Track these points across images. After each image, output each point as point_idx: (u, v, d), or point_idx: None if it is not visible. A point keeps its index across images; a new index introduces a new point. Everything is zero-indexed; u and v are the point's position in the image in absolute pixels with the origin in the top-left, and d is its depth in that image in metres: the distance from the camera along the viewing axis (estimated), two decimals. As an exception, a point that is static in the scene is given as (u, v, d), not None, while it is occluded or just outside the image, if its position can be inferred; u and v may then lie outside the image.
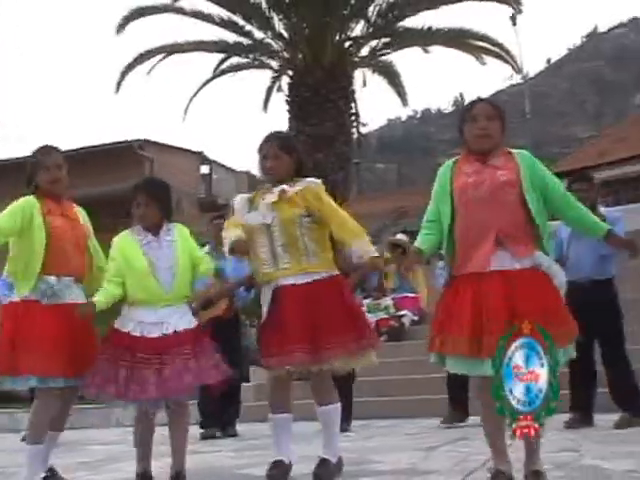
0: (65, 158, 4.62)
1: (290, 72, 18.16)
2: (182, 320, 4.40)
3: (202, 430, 7.58)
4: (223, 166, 38.52)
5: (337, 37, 17.86)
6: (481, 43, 18.67)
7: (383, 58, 19.45)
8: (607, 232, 3.94)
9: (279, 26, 18.01)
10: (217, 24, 18.08)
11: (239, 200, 4.64)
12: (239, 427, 7.78)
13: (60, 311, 4.35)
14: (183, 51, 18.55)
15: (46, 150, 4.60)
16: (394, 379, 9.12)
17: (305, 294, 4.36)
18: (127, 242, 4.48)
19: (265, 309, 4.44)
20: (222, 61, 18.99)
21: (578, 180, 6.68)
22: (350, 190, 19.79)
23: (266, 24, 17.98)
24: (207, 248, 7.47)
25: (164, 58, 18.50)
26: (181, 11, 17.98)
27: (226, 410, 7.70)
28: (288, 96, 17.87)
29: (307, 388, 4.59)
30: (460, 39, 18.57)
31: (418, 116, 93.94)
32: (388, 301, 11.76)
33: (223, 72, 19.29)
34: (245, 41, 18.42)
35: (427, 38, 18.48)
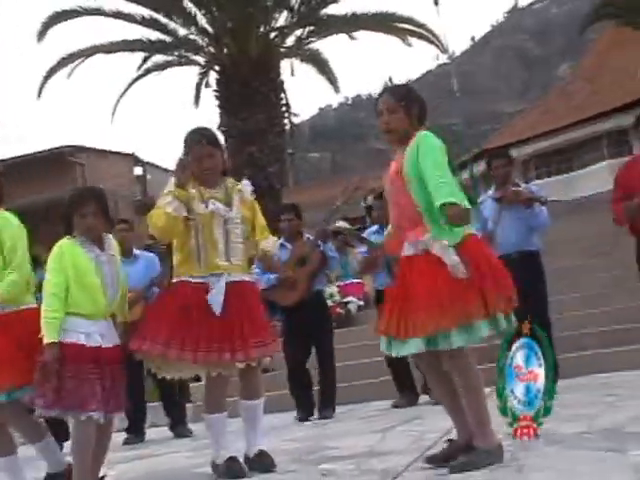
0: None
1: (217, 67, 18.06)
2: (113, 337, 4.30)
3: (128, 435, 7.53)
4: (157, 166, 38.12)
5: (262, 28, 17.80)
6: (406, 25, 18.81)
7: (310, 46, 19.48)
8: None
9: (202, 21, 17.89)
10: (139, 23, 17.90)
11: (172, 202, 4.50)
12: (193, 426, 7.73)
13: None
14: (106, 52, 18.30)
15: None
16: (345, 365, 9.15)
17: (248, 291, 4.54)
18: (77, 254, 4.24)
19: (217, 302, 4.37)
20: (145, 60, 18.79)
21: (495, 157, 6.86)
22: (286, 181, 19.79)
23: (189, 20, 17.83)
24: None
25: (85, 60, 18.25)
26: (101, 12, 17.74)
27: (170, 412, 7.69)
28: (217, 91, 17.77)
29: (272, 382, 4.64)
30: (385, 23, 18.68)
31: (349, 103, 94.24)
32: (333, 288, 11.82)
33: (149, 71, 19.09)
34: (169, 39, 18.26)
35: (352, 24, 18.54)
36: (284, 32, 18.43)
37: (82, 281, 4.20)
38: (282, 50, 18.68)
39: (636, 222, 5.99)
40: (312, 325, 7.17)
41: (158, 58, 18.84)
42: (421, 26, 18.84)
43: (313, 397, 7.47)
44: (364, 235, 6.82)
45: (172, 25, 17.98)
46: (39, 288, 4.55)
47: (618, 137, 27.76)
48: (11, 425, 4.55)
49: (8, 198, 4.87)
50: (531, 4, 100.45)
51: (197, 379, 9.95)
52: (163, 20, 17.92)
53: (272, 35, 18.26)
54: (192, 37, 18.27)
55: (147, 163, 37.40)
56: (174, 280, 4.56)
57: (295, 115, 19.41)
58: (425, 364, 3.94)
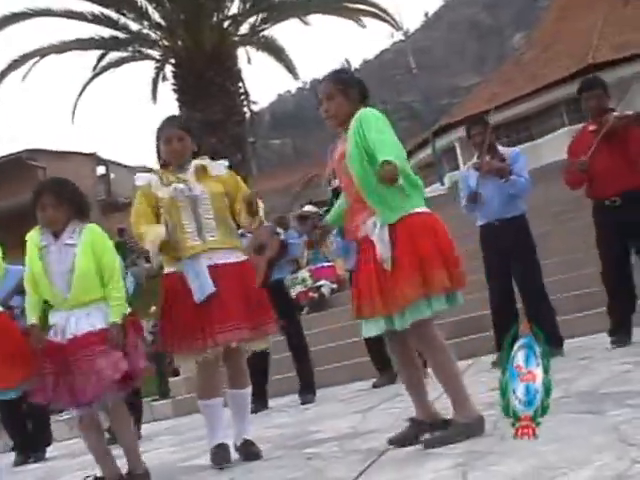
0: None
1: (173, 60, 17.95)
2: (81, 323, 4.20)
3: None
4: (119, 164, 37.86)
5: (214, 18, 17.72)
6: (358, 6, 18.81)
7: (264, 34, 19.43)
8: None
9: (155, 15, 17.76)
10: (91, 21, 17.71)
11: (146, 178, 4.54)
12: (174, 421, 7.74)
13: None
14: (59, 52, 18.11)
15: None
16: (321, 349, 9.20)
17: (240, 272, 4.45)
18: (30, 242, 4.31)
19: (200, 290, 4.33)
20: (101, 58, 18.64)
21: (473, 124, 6.85)
22: (250, 170, 19.71)
23: (141, 15, 17.71)
24: None
25: (38, 61, 18.06)
26: (51, 13, 17.54)
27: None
28: (174, 84, 17.67)
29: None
30: (337, 5, 18.67)
31: (307, 87, 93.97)
32: (305, 273, 11.85)
33: (105, 69, 18.93)
34: (122, 35, 18.11)
35: (304, 8, 18.52)
36: (237, 20, 18.36)
37: (30, 267, 4.27)
38: (237, 39, 18.61)
39: (587, 180, 6.10)
40: None
41: (113, 55, 18.72)
42: (374, 5, 18.86)
43: (266, 386, 7.46)
44: None
45: (124, 21, 17.84)
46: None
47: (576, 103, 27.98)
48: None
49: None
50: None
51: (175, 374, 10.00)
52: (114, 16, 17.78)
53: (226, 24, 18.18)
54: (145, 32, 18.16)
55: (110, 162, 37.09)
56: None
57: (254, 103, 19.41)
58: (393, 343, 3.94)
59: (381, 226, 3.70)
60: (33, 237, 4.32)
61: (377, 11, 18.93)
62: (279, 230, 7.25)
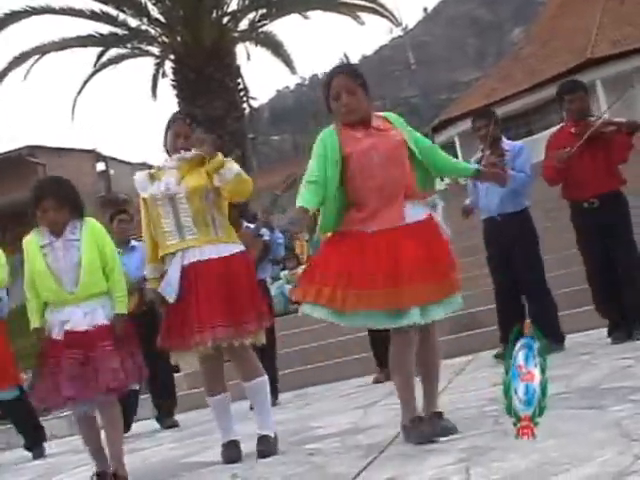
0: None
1: (172, 56, 17.94)
2: (91, 317, 4.26)
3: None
4: (119, 161, 37.85)
5: (214, 14, 17.70)
6: (357, 2, 18.80)
7: (264, 29, 19.41)
8: (475, 171, 4.15)
9: (154, 11, 17.75)
10: (90, 18, 17.70)
11: (138, 177, 4.55)
12: (175, 417, 7.73)
13: None
14: (59, 49, 18.10)
15: None
16: (318, 345, 9.21)
17: (220, 269, 4.33)
18: (30, 244, 4.35)
19: (170, 285, 4.33)
20: (101, 55, 18.63)
21: (479, 117, 6.84)
22: (250, 166, 19.68)
23: (140, 11, 17.69)
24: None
25: (39, 59, 18.05)
26: (51, 10, 17.52)
27: (161, 403, 7.64)
28: (173, 80, 17.66)
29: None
30: (336, 1, 18.65)
31: (306, 83, 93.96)
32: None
33: (104, 65, 18.93)
34: (121, 31, 18.09)
35: (304, 4, 18.50)
36: (237, 16, 18.34)
37: (34, 269, 4.29)
38: (236, 35, 18.60)
39: (563, 174, 6.12)
40: None
41: (113, 52, 18.72)
42: (372, 1, 18.84)
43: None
44: None
45: (124, 17, 17.82)
46: None
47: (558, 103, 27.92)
48: None
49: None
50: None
51: (176, 370, 9.98)
52: (114, 13, 17.77)
53: (225, 20, 18.17)
54: (144, 28, 18.15)
55: (110, 158, 37.08)
56: None
57: (253, 99, 19.39)
58: (409, 338, 3.84)
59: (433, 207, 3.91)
60: (32, 240, 4.36)
61: (376, 7, 18.93)
62: (264, 231, 7.21)
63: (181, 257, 4.33)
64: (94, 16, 17.71)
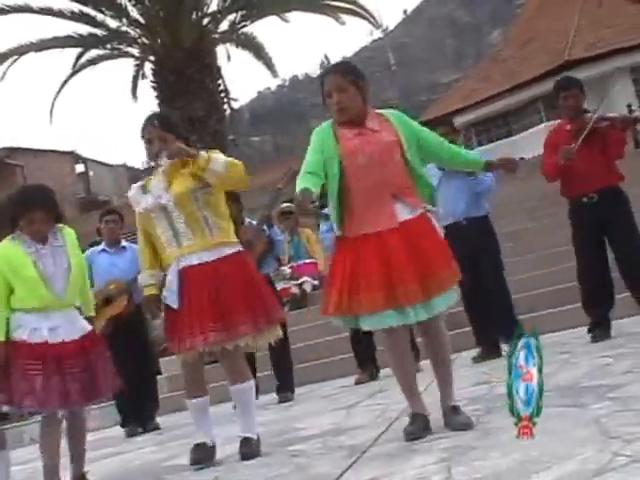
0: None
1: (152, 57, 17.87)
2: (72, 329, 4.30)
3: (124, 429, 7.50)
4: (99, 162, 37.66)
5: (194, 15, 17.66)
6: (337, 3, 18.82)
7: (244, 30, 19.39)
8: (485, 163, 4.24)
9: (133, 12, 17.68)
10: (69, 18, 17.61)
11: (133, 190, 4.56)
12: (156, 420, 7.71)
13: None
14: (38, 50, 17.99)
15: None
16: (304, 346, 9.20)
17: (211, 272, 4.32)
18: (12, 252, 4.31)
19: (172, 292, 4.34)
20: (79, 56, 18.54)
21: (440, 125, 6.90)
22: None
23: (119, 12, 17.61)
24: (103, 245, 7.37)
25: (17, 60, 17.94)
26: (29, 10, 17.41)
27: (143, 405, 7.61)
28: (153, 82, 17.61)
29: (221, 370, 4.61)
30: (316, 2, 18.66)
31: (287, 84, 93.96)
32: (286, 269, 11.83)
33: (83, 66, 18.84)
34: (100, 32, 18.01)
35: (284, 5, 18.49)
36: (217, 17, 18.31)
37: (20, 276, 4.25)
38: (216, 36, 18.57)
39: (571, 186, 6.15)
40: None
41: (92, 53, 18.63)
42: (353, 2, 18.87)
43: (257, 381, 7.47)
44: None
45: (103, 18, 17.75)
46: None
47: (553, 100, 28.06)
48: None
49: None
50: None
51: (158, 373, 9.95)
52: (93, 13, 17.68)
53: (205, 21, 18.13)
54: (124, 29, 18.06)
55: (89, 160, 36.88)
56: None
57: (234, 100, 19.35)
58: (400, 336, 3.88)
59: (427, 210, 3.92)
60: (14, 248, 4.33)
61: (356, 8, 18.95)
62: (265, 227, 7.24)
63: (176, 264, 4.35)
64: (73, 17, 17.61)
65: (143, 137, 4.52)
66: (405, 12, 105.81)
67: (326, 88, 3.92)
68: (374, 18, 19.85)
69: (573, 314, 7.45)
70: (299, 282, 11.36)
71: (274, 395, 7.39)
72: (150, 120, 4.54)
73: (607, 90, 7.06)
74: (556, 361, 5.43)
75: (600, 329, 6.16)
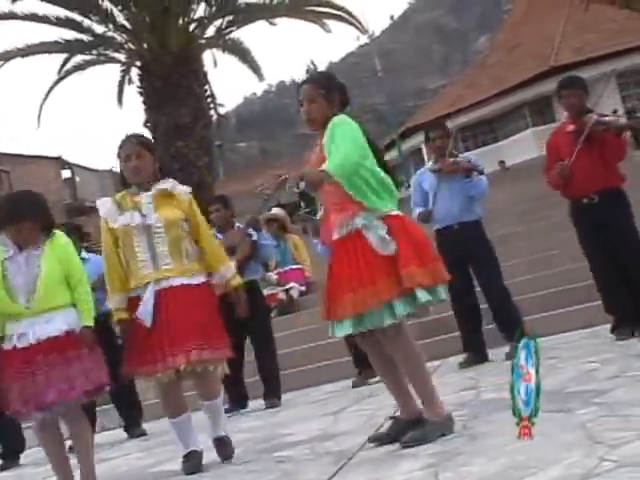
0: None
1: (138, 63, 17.84)
2: (45, 328, 4.21)
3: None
4: (85, 168, 37.54)
5: (180, 21, 17.63)
6: (324, 9, 18.84)
7: (231, 36, 19.38)
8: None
9: (120, 18, 17.63)
10: (55, 24, 17.56)
11: (104, 205, 4.52)
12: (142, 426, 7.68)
13: None
14: (24, 56, 17.93)
15: None
16: (291, 351, 9.19)
17: (189, 295, 4.36)
18: None
19: (147, 311, 4.31)
20: (65, 61, 18.49)
21: (432, 129, 6.90)
22: (217, 173, 19.65)
23: (105, 17, 17.56)
24: None
25: (2, 65, 17.89)
26: (14, 16, 17.35)
27: (126, 412, 7.59)
28: (140, 87, 17.57)
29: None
30: (303, 7, 18.68)
31: (273, 90, 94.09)
32: (272, 276, 11.83)
33: (69, 72, 18.79)
34: (87, 38, 17.97)
35: (270, 11, 18.49)
36: (204, 23, 18.28)
37: None
38: (203, 41, 18.55)
39: (567, 182, 6.14)
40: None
41: (78, 58, 18.56)
42: (339, 8, 18.90)
43: (245, 389, 7.45)
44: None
45: (89, 24, 17.69)
46: None
47: (539, 105, 28.28)
48: None
49: None
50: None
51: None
52: (79, 19, 17.63)
53: (192, 27, 18.11)
54: (110, 34, 18.00)
55: (75, 165, 36.76)
56: None
57: (220, 106, 19.35)
58: (368, 344, 3.99)
59: (369, 220, 3.79)
60: None
61: (343, 14, 18.97)
62: (251, 231, 7.24)
63: (153, 285, 4.34)
64: (59, 22, 17.56)
65: (120, 153, 4.51)
66: (392, 18, 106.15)
67: (299, 96, 4.01)
68: (360, 24, 19.90)
69: (560, 319, 7.49)
70: (286, 288, 11.35)
71: (261, 401, 7.38)
72: (129, 136, 4.55)
73: (597, 96, 7.03)
74: (543, 366, 5.40)
75: (623, 327, 6.02)
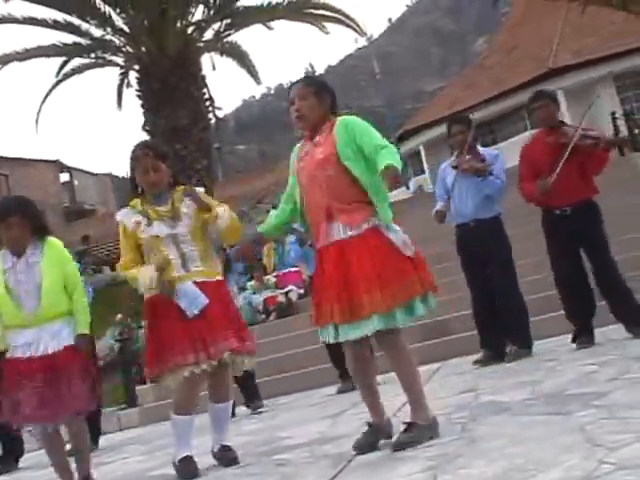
0: None
1: (137, 66, 17.83)
2: (53, 341, 4.25)
3: None
4: (83, 171, 37.53)
5: (179, 24, 17.63)
6: (322, 12, 18.84)
7: (229, 39, 19.39)
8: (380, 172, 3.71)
9: (118, 21, 17.63)
10: (53, 28, 17.56)
11: (129, 216, 4.52)
12: (141, 430, 7.68)
13: None
14: (22, 59, 17.93)
15: None
16: (290, 354, 9.20)
17: (218, 291, 4.48)
18: None
19: (195, 299, 4.37)
20: (63, 65, 18.50)
21: (455, 122, 6.87)
22: (216, 176, 19.63)
23: (104, 21, 17.56)
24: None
25: (1, 69, 17.89)
26: (12, 20, 17.34)
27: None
28: (138, 90, 17.56)
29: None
30: (301, 10, 18.69)
31: (272, 92, 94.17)
32: (271, 279, 11.85)
33: (67, 75, 18.79)
34: (85, 41, 17.97)
35: (268, 14, 18.49)
36: (202, 26, 18.28)
37: None
38: (201, 45, 18.55)
39: (546, 198, 6.17)
40: None
41: (76, 62, 18.57)
42: (338, 11, 18.91)
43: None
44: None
45: (87, 27, 17.70)
46: None
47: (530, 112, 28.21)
48: None
49: None
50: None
51: (143, 382, 9.91)
52: (77, 22, 17.62)
53: (190, 30, 18.10)
54: (108, 38, 18.00)
55: (73, 169, 36.75)
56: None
57: (219, 109, 19.36)
58: (363, 348, 3.95)
59: (389, 224, 3.82)
60: None
61: (341, 17, 18.98)
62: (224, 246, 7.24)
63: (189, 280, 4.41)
64: (57, 26, 17.56)
65: (136, 167, 4.52)
66: (390, 21, 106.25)
67: (290, 95, 4.03)
68: (359, 26, 19.90)
69: (557, 322, 7.47)
70: (285, 291, 11.37)
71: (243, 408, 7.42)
72: (144, 150, 4.54)
73: (589, 104, 7.07)
74: (542, 369, 5.44)
75: (584, 336, 6.18)
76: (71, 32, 17.79)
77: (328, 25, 19.25)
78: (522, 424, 3.54)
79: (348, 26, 19.36)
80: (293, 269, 11.92)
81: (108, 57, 18.56)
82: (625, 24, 23.78)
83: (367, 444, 3.83)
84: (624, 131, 18.45)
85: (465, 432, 3.70)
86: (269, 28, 19.38)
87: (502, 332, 6.56)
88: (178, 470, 4.41)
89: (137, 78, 17.73)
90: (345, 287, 3.74)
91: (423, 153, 31.06)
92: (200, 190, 4.58)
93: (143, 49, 17.55)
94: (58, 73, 18.64)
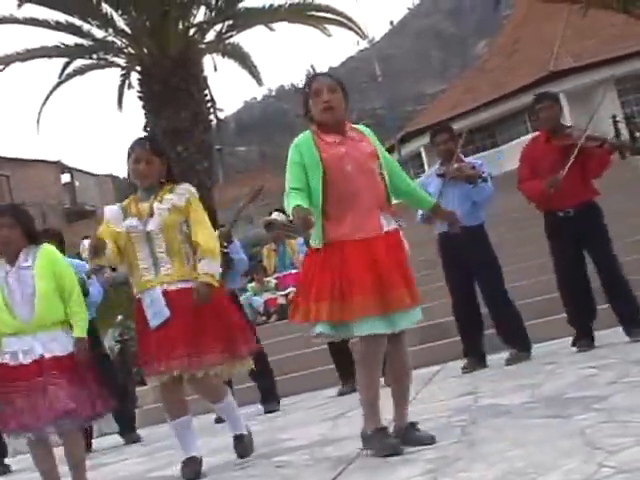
0: None
1: (138, 67, 17.83)
2: (49, 346, 4.23)
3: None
4: (84, 172, 37.52)
5: (180, 25, 17.62)
6: (324, 14, 18.83)
7: (230, 41, 19.36)
8: (434, 205, 4.33)
9: (120, 22, 17.62)
10: (55, 28, 17.56)
11: (110, 210, 4.55)
12: (141, 431, 7.68)
13: None
14: (23, 60, 17.93)
15: None
16: (291, 356, 9.20)
17: (189, 299, 4.33)
18: None
19: (158, 313, 4.34)
20: (66, 65, 18.50)
21: (438, 132, 6.88)
22: (216, 177, 19.63)
23: (105, 22, 17.55)
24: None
25: (2, 70, 17.90)
26: (14, 20, 17.35)
27: (119, 418, 7.55)
28: (140, 92, 17.57)
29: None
30: (303, 12, 18.67)
31: (273, 94, 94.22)
32: (272, 281, 11.86)
33: (69, 76, 18.80)
34: (86, 42, 17.97)
35: (270, 15, 18.48)
36: (203, 28, 18.27)
37: None
38: (203, 46, 18.53)
39: (553, 197, 6.18)
40: None
41: (78, 63, 18.55)
42: (339, 13, 18.89)
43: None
44: None
45: (89, 28, 17.69)
46: None
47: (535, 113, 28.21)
48: None
49: None
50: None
51: (143, 383, 9.90)
52: (79, 23, 17.62)
53: (192, 31, 18.09)
54: (110, 39, 17.99)
55: (74, 169, 36.75)
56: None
57: (220, 110, 19.36)
58: (384, 344, 3.88)
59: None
60: None
61: (343, 19, 18.97)
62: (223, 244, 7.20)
63: (157, 290, 4.35)
64: (59, 27, 17.55)
65: (130, 156, 4.52)
66: (391, 23, 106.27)
67: (316, 86, 3.91)
68: (360, 29, 19.88)
69: (559, 325, 7.48)
70: (285, 293, 11.37)
71: (259, 406, 7.38)
72: (141, 141, 4.57)
73: (594, 108, 7.11)
74: (542, 372, 5.44)
75: (585, 339, 6.20)
76: (73, 33, 17.78)
77: (330, 27, 19.24)
78: (522, 427, 3.55)
79: (350, 28, 19.34)
80: (294, 271, 11.92)
81: (110, 58, 18.55)
82: (626, 27, 23.77)
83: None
84: (625, 134, 18.47)
85: (465, 435, 3.71)
86: (271, 30, 19.38)
87: (482, 338, 6.68)
88: (180, 471, 4.42)
89: (138, 79, 17.72)
90: (402, 272, 3.79)
91: (424, 155, 31.09)
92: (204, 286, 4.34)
93: (145, 50, 17.55)
94: (60, 74, 18.65)
